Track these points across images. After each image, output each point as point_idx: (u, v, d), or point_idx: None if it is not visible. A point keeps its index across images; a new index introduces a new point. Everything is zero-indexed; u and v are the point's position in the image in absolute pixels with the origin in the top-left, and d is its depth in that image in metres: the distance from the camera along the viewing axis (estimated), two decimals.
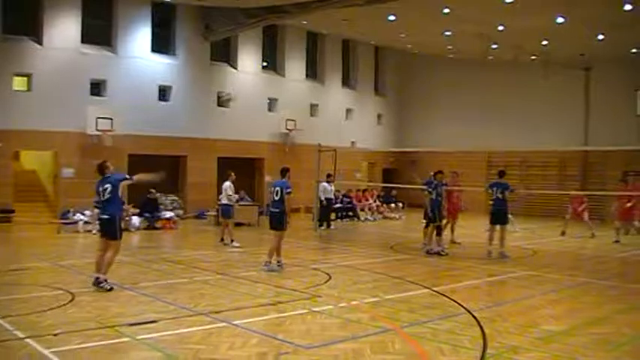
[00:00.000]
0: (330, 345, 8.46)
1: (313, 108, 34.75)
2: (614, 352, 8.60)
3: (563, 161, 34.45)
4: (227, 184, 19.86)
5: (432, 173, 18.78)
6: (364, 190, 31.48)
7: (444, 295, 11.96)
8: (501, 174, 18.58)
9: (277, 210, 14.90)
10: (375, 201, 31.46)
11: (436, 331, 9.32)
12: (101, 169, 12.43)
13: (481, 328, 9.55)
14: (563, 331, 9.60)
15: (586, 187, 31.42)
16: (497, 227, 17.93)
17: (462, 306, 11.08)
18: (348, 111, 36.81)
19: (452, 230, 20.71)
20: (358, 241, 22.45)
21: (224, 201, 19.84)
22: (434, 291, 12.43)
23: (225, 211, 19.79)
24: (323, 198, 25.07)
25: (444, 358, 8.02)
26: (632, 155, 28.04)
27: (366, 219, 29.84)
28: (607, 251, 20.46)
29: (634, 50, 31.29)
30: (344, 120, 36.41)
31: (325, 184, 25.21)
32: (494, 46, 30.32)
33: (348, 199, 29.96)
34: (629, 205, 21.52)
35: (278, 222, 14.92)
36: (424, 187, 18.77)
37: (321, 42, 35.58)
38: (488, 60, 32.70)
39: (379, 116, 39.08)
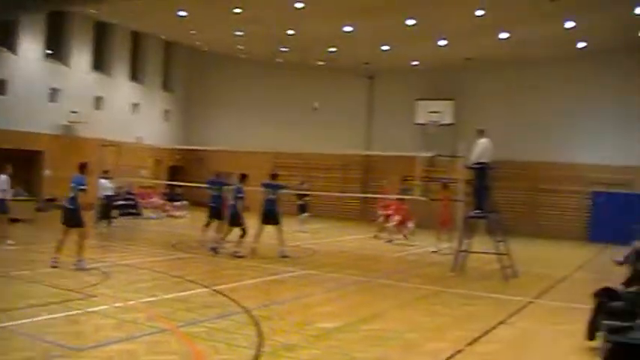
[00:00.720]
0: (103, 346, 8.24)
1: (99, 101, 33.51)
2: (383, 346, 9.07)
3: (346, 165, 35.70)
4: (2, 177, 18.69)
5: (215, 172, 18.88)
6: (149, 187, 30.95)
7: (222, 294, 12.03)
8: (274, 176, 19.03)
9: (71, 207, 14.38)
10: (159, 199, 31.05)
11: (212, 330, 9.36)
12: None
13: (257, 326, 9.70)
14: (338, 328, 9.98)
15: (367, 190, 32.68)
16: (271, 227, 18.33)
17: (240, 305, 11.19)
18: (135, 105, 35.92)
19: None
20: (140, 239, 22.08)
21: None
22: (213, 290, 12.48)
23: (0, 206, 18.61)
24: (102, 195, 24.07)
25: (218, 357, 8.07)
26: (410, 161, 29.49)
27: (150, 217, 29.36)
28: (385, 251, 21.50)
29: (415, 63, 33.03)
30: (131, 114, 35.51)
31: (102, 180, 23.93)
32: (284, 49, 30.87)
33: (132, 196, 29.31)
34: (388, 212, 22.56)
35: (72, 219, 14.39)
36: (209, 186, 18.89)
37: (110, 33, 34.40)
38: (278, 62, 33.26)
39: (167, 112, 38.52)
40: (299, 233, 23.93)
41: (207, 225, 19.41)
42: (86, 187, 14.57)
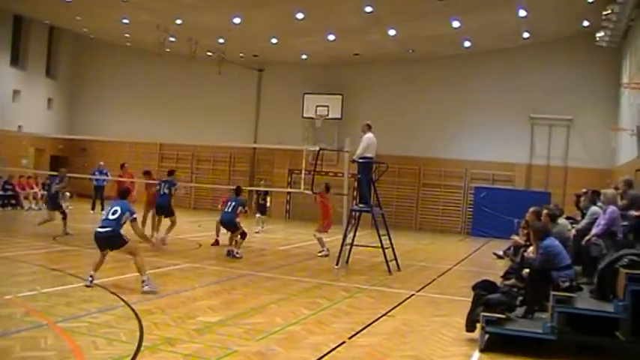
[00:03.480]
0: None
1: None
2: (264, 340, 9.07)
3: (233, 157, 35.57)
4: None
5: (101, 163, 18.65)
6: (29, 178, 29.97)
7: (104, 288, 11.78)
8: (170, 172, 20.39)
9: None
10: (40, 189, 30.09)
11: (92, 325, 9.16)
12: None
13: (139, 320, 9.56)
14: (219, 322, 9.94)
15: (253, 183, 32.61)
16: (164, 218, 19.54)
17: (121, 299, 11.00)
18: (16, 92, 34.52)
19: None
20: (19, 230, 21.33)
21: None
22: (94, 284, 12.17)
23: None
24: None
25: (97, 353, 7.90)
26: (297, 155, 29.56)
27: (31, 208, 28.41)
28: (270, 244, 21.49)
29: (304, 56, 33.17)
30: (11, 102, 34.12)
31: None
32: (172, 39, 30.43)
33: (10, 187, 28.27)
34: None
35: None
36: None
37: None
38: (165, 52, 32.75)
39: (50, 100, 37.24)
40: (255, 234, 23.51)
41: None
42: None
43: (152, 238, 17.17)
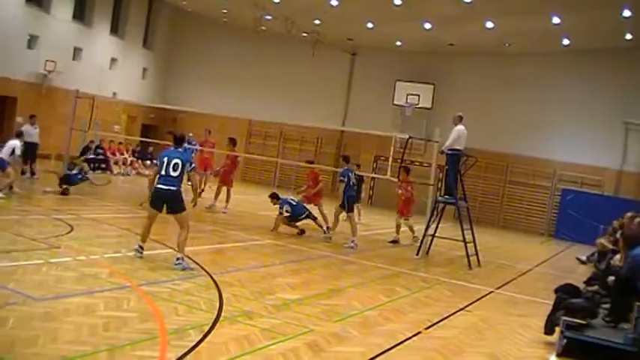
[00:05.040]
0: (62, 298, 8.22)
1: (77, 52, 32.87)
2: (340, 322, 9.10)
3: (320, 139, 35.70)
4: None
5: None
6: (119, 143, 30.72)
7: (187, 257, 11.97)
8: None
9: None
10: (129, 155, 30.83)
11: (174, 292, 9.35)
12: None
13: (219, 291, 9.70)
14: (297, 300, 10.02)
15: (338, 166, 32.57)
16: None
17: (203, 268, 11.19)
18: (113, 60, 35.36)
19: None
20: (107, 194, 21.88)
21: None
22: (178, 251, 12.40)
23: None
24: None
25: (177, 318, 8.07)
26: (384, 141, 29.34)
27: (120, 172, 29.14)
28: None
29: (399, 43, 32.99)
30: (108, 69, 34.96)
31: (28, 126, 22.52)
32: (268, 17, 30.65)
33: (102, 151, 29.01)
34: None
35: None
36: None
37: None
38: (261, 30, 33.01)
39: (145, 70, 38.08)
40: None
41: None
42: None
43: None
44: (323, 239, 17.47)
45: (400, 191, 19.73)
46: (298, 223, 18.04)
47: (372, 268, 14.36)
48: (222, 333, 7.75)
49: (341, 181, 17.77)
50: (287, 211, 17.66)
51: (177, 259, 11.05)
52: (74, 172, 20.73)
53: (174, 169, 11.24)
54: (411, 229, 19.50)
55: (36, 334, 6.75)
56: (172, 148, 11.82)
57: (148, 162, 31.40)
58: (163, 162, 11.36)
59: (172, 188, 11.22)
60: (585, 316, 9.33)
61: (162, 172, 11.32)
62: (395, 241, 19.39)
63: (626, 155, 29.65)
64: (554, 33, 27.06)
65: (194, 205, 12.59)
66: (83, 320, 7.48)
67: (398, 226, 19.81)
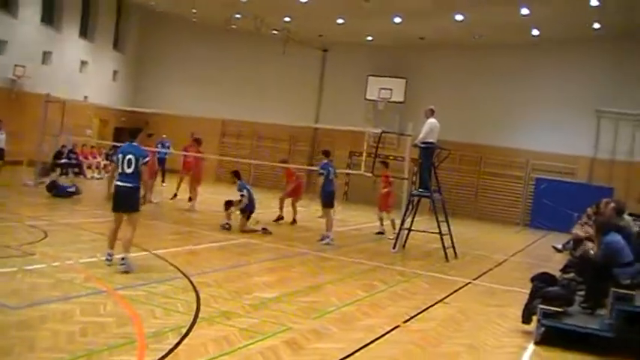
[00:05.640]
0: (38, 305, 8.17)
1: (46, 56, 32.51)
2: (319, 319, 9.12)
3: (294, 136, 35.67)
4: None
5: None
6: (92, 147, 30.49)
7: (163, 259, 11.95)
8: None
9: None
10: (102, 159, 30.61)
11: (151, 294, 9.31)
12: None
13: (196, 292, 9.68)
14: (275, 298, 10.03)
15: (314, 163, 32.60)
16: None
17: (179, 270, 11.14)
18: (84, 63, 35.05)
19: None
20: (81, 199, 21.67)
21: None
22: (153, 254, 12.37)
23: None
24: None
25: (155, 321, 8.04)
26: (359, 136, 29.37)
27: (93, 177, 28.93)
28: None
29: (369, 38, 33.05)
30: (79, 72, 34.68)
31: None
32: (238, 16, 30.58)
33: (74, 155, 28.75)
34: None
35: None
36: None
37: None
38: (231, 29, 32.93)
39: (115, 72, 37.78)
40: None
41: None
42: None
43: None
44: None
45: (384, 185, 19.90)
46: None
47: (349, 264, 14.39)
48: (201, 334, 7.74)
49: (320, 174, 17.64)
50: (242, 196, 17.49)
51: (122, 259, 10.67)
52: (69, 185, 21.11)
53: (129, 166, 10.92)
54: (393, 225, 19.52)
55: (12, 343, 6.71)
56: (127, 143, 11.41)
57: None
58: (119, 158, 11.08)
59: (128, 185, 10.93)
60: (562, 303, 9.41)
61: (119, 170, 11.05)
62: (381, 232, 19.81)
63: (598, 143, 29.91)
64: (524, 24, 27.23)
65: (143, 203, 12.03)
66: (60, 327, 7.43)
67: (381, 219, 20.08)
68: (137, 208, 11.14)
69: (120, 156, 11.04)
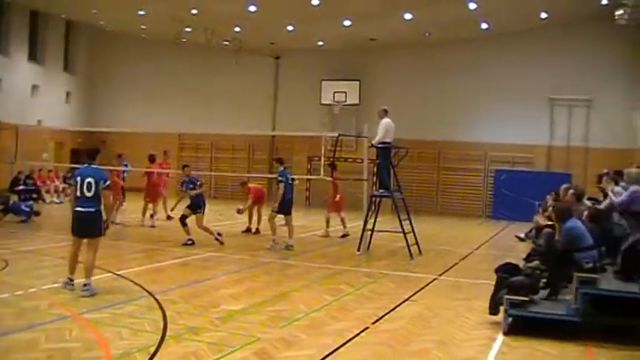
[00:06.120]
0: (3, 336, 8.03)
1: None
2: (287, 327, 9.09)
3: (252, 145, 35.64)
4: None
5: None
6: (49, 171, 30.15)
7: (127, 279, 11.85)
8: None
9: None
10: (61, 182, 30.27)
11: (116, 316, 9.22)
12: None
13: (162, 310, 9.61)
14: (242, 310, 9.99)
15: (273, 171, 32.54)
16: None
17: (144, 289, 11.05)
18: (35, 87, 34.63)
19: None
20: (41, 224, 21.40)
21: None
22: (117, 274, 12.27)
23: None
24: None
25: (122, 343, 7.95)
26: (316, 141, 29.41)
27: (52, 201, 28.60)
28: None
29: (320, 43, 33.13)
30: (30, 96, 34.26)
31: None
32: (188, 29, 30.49)
33: (32, 181, 28.40)
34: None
35: None
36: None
37: (7, 12, 32.83)
38: (182, 42, 32.82)
39: (68, 94, 37.37)
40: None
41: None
42: None
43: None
44: (270, 248, 17.25)
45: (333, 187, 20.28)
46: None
47: (314, 269, 14.39)
48: (169, 352, 7.68)
49: (280, 181, 17.49)
50: (185, 190, 17.46)
51: (85, 285, 10.43)
52: (27, 205, 21.17)
53: (89, 189, 10.56)
54: (343, 223, 20.03)
55: None
56: (85, 165, 11.09)
57: None
58: (77, 182, 10.72)
59: (89, 210, 10.60)
60: (527, 292, 9.50)
61: (78, 194, 10.67)
62: (345, 235, 20.16)
63: (553, 130, 30.37)
64: (472, 18, 27.54)
65: (106, 228, 11.45)
66: (26, 356, 7.32)
67: (328, 220, 20.51)
68: (99, 233, 10.85)
69: (78, 179, 10.72)
